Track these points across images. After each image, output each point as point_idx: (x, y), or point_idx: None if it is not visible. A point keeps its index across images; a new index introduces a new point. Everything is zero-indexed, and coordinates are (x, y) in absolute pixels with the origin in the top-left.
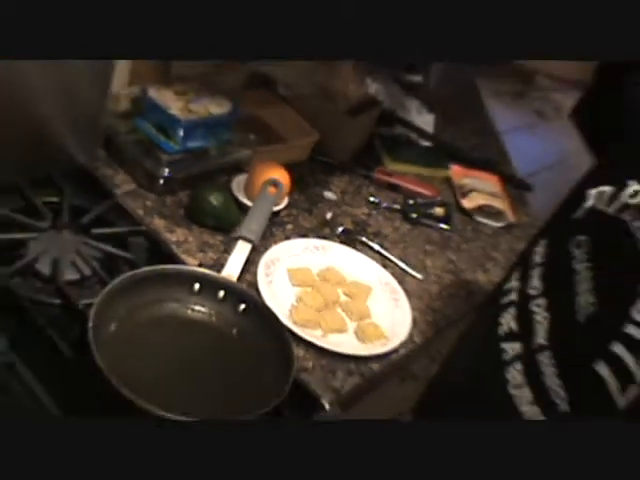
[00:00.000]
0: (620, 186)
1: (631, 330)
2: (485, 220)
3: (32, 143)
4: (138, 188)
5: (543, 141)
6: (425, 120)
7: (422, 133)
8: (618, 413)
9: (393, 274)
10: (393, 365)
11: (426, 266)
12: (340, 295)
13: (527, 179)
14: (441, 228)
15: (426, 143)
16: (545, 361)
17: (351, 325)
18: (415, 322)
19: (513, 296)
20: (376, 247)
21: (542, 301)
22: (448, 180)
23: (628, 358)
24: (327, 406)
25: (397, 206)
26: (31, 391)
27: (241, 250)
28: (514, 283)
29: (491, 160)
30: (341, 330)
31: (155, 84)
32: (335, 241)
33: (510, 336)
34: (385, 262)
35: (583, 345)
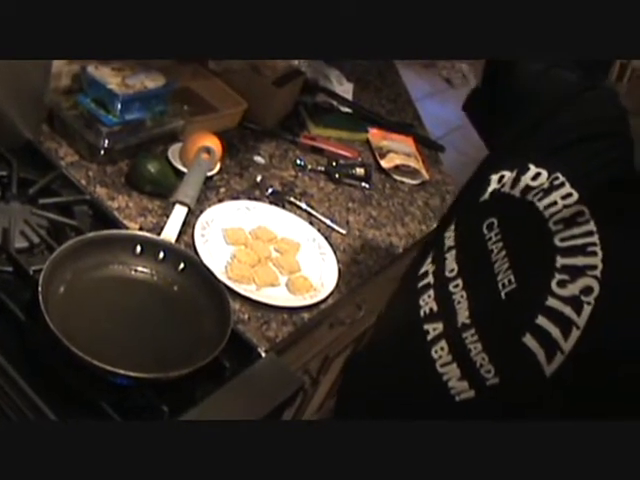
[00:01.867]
0: (520, 169)
1: (552, 303)
2: (402, 178)
3: None
4: (81, 159)
5: (451, 106)
6: (345, 88)
7: (342, 100)
8: (545, 381)
9: (319, 230)
10: (322, 313)
11: (349, 222)
12: (271, 252)
13: (438, 140)
14: (362, 187)
15: (346, 109)
16: (470, 338)
17: (283, 279)
18: (341, 274)
19: (430, 278)
20: (303, 206)
21: (459, 281)
22: (367, 142)
23: (552, 329)
24: (263, 354)
25: (321, 168)
26: None
27: (178, 213)
28: (428, 267)
29: (406, 124)
30: (273, 284)
31: (93, 62)
32: (265, 202)
33: (431, 317)
34: (312, 219)
35: (508, 320)
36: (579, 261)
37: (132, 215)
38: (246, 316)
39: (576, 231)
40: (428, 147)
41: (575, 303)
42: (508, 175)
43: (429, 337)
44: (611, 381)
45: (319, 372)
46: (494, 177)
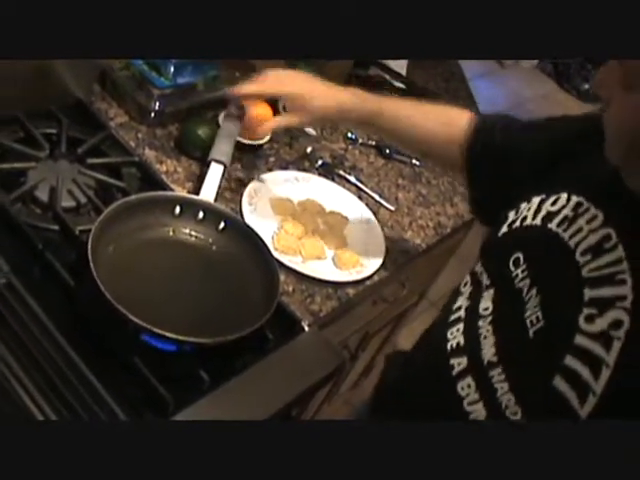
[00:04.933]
0: (540, 200)
1: (580, 340)
2: None
3: (32, 79)
4: (131, 121)
5: (501, 87)
6: (399, 63)
7: (396, 75)
8: None
9: (368, 205)
10: (367, 290)
11: (398, 198)
12: (319, 224)
13: None
14: (412, 164)
15: (399, 84)
16: (496, 377)
17: (329, 253)
18: (388, 250)
19: (461, 312)
20: (352, 180)
21: (490, 318)
22: None
23: (582, 369)
24: (306, 328)
25: (372, 142)
26: (30, 309)
27: (214, 172)
28: (463, 302)
29: (459, 103)
30: (320, 257)
31: None
32: (314, 174)
33: (457, 351)
34: (360, 194)
35: (536, 361)
36: (607, 292)
37: (180, 180)
38: (291, 288)
39: (604, 260)
40: None
41: (604, 339)
42: (524, 206)
43: (454, 372)
44: None
45: (358, 348)
46: (511, 213)
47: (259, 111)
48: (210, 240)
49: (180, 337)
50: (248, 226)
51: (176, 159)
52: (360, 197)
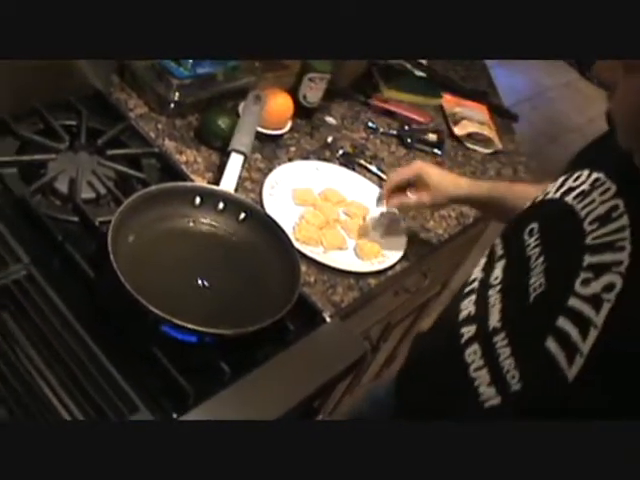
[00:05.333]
0: (565, 177)
1: (573, 302)
2: (475, 147)
3: (51, 70)
4: (150, 112)
5: (521, 75)
6: None
7: (417, 64)
8: (568, 386)
9: None
10: (389, 280)
11: None
12: (340, 214)
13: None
14: (434, 153)
15: (420, 73)
16: (500, 342)
17: (350, 243)
18: (409, 241)
19: (475, 284)
20: (374, 169)
21: (498, 287)
22: (441, 108)
23: (572, 330)
24: (328, 319)
25: (393, 131)
26: (50, 301)
27: (234, 162)
28: (478, 274)
29: (481, 91)
30: (341, 247)
31: None
32: (335, 163)
33: (467, 320)
34: (382, 184)
35: (533, 324)
36: (606, 258)
37: (200, 170)
38: (312, 279)
39: (609, 228)
40: (501, 116)
41: (595, 301)
42: (551, 185)
43: (463, 340)
44: (633, 384)
45: (379, 339)
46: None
47: (279, 101)
48: (230, 230)
49: (200, 328)
50: (269, 216)
51: (196, 149)
52: (381, 187)
